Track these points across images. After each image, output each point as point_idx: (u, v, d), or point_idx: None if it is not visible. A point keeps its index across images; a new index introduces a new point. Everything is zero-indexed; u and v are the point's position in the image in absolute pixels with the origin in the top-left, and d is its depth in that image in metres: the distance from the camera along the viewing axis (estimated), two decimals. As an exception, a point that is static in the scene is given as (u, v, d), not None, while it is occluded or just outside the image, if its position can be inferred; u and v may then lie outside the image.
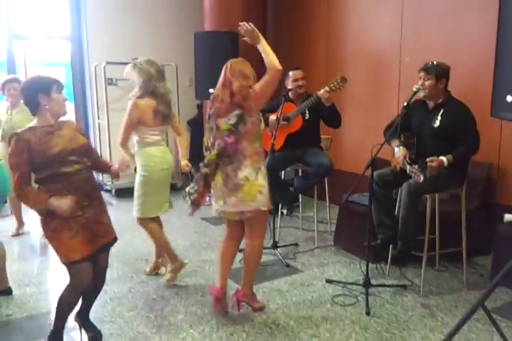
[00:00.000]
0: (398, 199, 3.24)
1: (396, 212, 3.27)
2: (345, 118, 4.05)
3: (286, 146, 3.96)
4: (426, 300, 3.02)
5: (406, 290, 3.14)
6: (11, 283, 3.11)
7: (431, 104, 3.18)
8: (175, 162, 3.36)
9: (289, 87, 3.97)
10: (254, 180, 2.63)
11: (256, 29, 2.64)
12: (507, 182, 3.67)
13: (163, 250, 3.27)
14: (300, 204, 4.56)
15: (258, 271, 3.34)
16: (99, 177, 5.75)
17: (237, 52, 4.71)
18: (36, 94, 2.20)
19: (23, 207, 4.05)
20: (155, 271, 3.40)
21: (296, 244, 3.99)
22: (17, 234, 4.27)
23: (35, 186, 2.27)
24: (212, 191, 2.73)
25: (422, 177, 2.82)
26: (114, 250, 3.89)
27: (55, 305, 2.35)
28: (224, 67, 2.67)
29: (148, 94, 3.03)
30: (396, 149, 3.16)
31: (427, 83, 3.08)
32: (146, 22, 5.83)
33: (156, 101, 3.04)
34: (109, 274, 3.37)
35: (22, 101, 2.44)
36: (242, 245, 2.88)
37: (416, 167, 2.87)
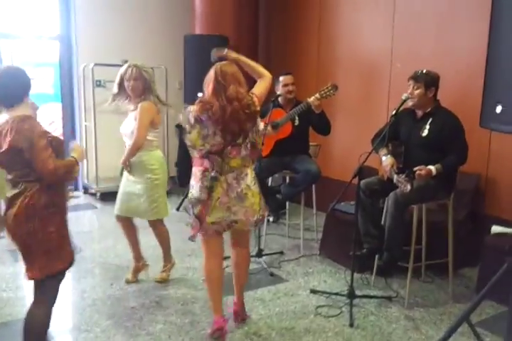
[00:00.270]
0: (385, 209, 3.20)
1: (382, 222, 3.23)
2: (334, 126, 4.01)
3: (274, 153, 3.91)
4: (410, 312, 2.97)
5: (391, 301, 3.10)
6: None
7: (419, 112, 3.15)
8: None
9: (279, 92, 3.94)
10: (254, 188, 2.59)
11: (233, 54, 2.67)
12: (495, 193, 3.65)
13: (168, 251, 3.34)
14: (287, 212, 4.51)
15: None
16: (84, 180, 5.69)
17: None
18: None
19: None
20: (167, 275, 3.36)
21: (281, 252, 3.93)
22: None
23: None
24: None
25: (408, 187, 2.78)
26: (95, 255, 3.87)
27: None
28: (212, 72, 2.50)
29: (152, 97, 3.10)
30: (383, 158, 3.12)
31: (415, 92, 3.05)
32: (137, 24, 5.77)
33: (155, 103, 3.13)
34: (89, 280, 3.33)
35: None
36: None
37: (403, 177, 2.83)
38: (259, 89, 2.63)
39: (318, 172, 3.77)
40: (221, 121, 2.43)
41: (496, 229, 3.27)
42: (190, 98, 5.00)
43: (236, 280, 2.78)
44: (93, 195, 5.55)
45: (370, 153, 2.91)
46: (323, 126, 3.86)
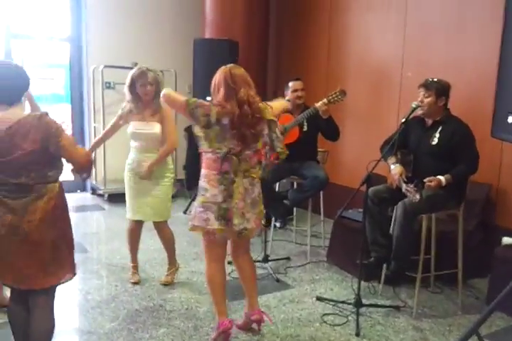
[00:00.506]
0: (393, 218, 3.16)
1: (391, 231, 3.19)
2: (343, 132, 3.98)
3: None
4: (418, 323, 2.92)
5: (399, 311, 3.05)
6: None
7: (429, 121, 3.11)
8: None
9: (288, 97, 3.92)
10: (261, 195, 2.58)
11: None
12: (506, 203, 3.60)
13: (173, 254, 3.35)
14: (294, 218, 4.48)
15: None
16: (92, 181, 5.68)
17: (236, 61, 4.65)
18: None
19: None
20: (172, 279, 3.36)
21: (288, 258, 3.90)
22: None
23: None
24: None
25: (417, 197, 2.74)
26: (101, 256, 3.86)
27: None
28: (222, 76, 2.45)
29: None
30: (392, 166, 3.08)
31: (426, 100, 3.01)
32: (147, 27, 5.78)
33: None
34: (94, 282, 3.31)
35: None
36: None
37: (411, 186, 2.79)
38: (277, 106, 2.65)
39: (326, 178, 3.74)
40: (233, 125, 2.41)
41: (507, 240, 3.23)
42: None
43: (251, 287, 2.72)
44: (101, 196, 5.55)
45: (378, 161, 2.88)
46: (332, 132, 3.84)
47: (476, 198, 3.51)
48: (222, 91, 2.44)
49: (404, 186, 2.88)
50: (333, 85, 4.72)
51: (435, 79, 3.05)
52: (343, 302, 3.10)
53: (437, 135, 3.04)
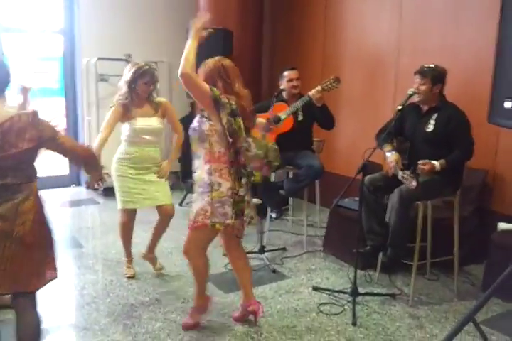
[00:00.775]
0: (389, 206, 3.14)
1: (387, 219, 3.17)
2: (339, 121, 3.95)
3: (276, 148, 3.86)
4: (415, 310, 2.92)
5: (395, 299, 3.05)
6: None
7: (424, 107, 3.08)
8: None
9: (282, 87, 3.87)
10: None
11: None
12: (503, 189, 3.58)
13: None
14: (290, 207, 4.46)
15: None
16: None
17: (231, 50, 4.60)
18: None
19: None
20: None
21: (284, 248, 3.88)
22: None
23: None
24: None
25: (414, 184, 2.72)
26: (96, 251, 3.85)
27: None
28: (214, 68, 2.42)
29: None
30: (388, 154, 3.06)
31: (421, 88, 2.98)
32: (140, 18, 5.69)
33: None
34: (88, 277, 3.30)
35: None
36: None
37: (408, 173, 2.77)
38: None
39: (321, 167, 3.71)
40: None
41: (502, 226, 3.21)
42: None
43: (245, 278, 2.72)
44: (96, 189, 5.51)
45: (374, 149, 2.86)
46: (326, 120, 3.80)
47: (472, 184, 3.49)
48: (220, 84, 2.41)
49: (400, 173, 2.86)
50: (328, 74, 4.65)
51: (431, 66, 3.01)
52: (339, 291, 3.09)
53: (432, 122, 3.02)
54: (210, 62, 2.46)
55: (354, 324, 2.74)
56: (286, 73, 3.89)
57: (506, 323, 2.79)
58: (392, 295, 3.07)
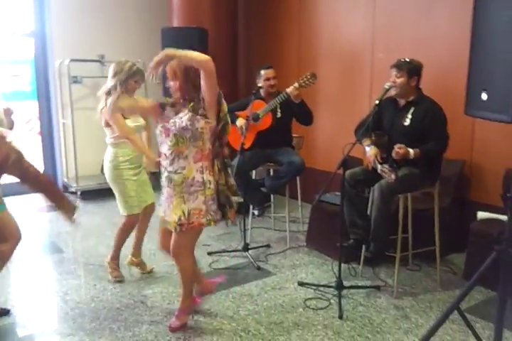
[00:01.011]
0: (370, 199, 3.17)
1: (368, 212, 3.20)
2: (317, 117, 3.97)
3: (256, 145, 3.86)
4: (399, 302, 2.96)
5: (379, 291, 3.08)
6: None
7: (402, 101, 3.12)
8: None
9: (260, 84, 3.88)
10: None
11: (159, 58, 2.41)
12: (480, 179, 3.65)
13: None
14: (272, 204, 4.47)
15: (228, 275, 3.26)
16: (63, 178, 5.56)
17: (206, 49, 4.57)
18: None
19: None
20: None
21: (268, 245, 3.89)
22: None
23: None
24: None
25: (393, 177, 2.75)
26: (76, 256, 3.78)
27: None
28: (183, 70, 2.47)
29: None
30: (367, 148, 3.08)
31: (398, 80, 3.01)
32: (113, 18, 5.61)
33: None
34: (71, 282, 3.24)
35: None
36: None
37: (387, 166, 2.80)
38: (205, 94, 2.41)
39: (302, 163, 3.73)
40: None
41: (481, 214, 3.28)
42: (169, 92, 4.90)
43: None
44: (73, 193, 5.43)
45: (354, 144, 2.87)
46: (305, 116, 3.82)
47: (450, 175, 3.55)
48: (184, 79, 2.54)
49: (379, 167, 2.89)
50: (305, 70, 4.67)
51: (407, 59, 3.05)
52: (324, 285, 3.11)
53: (409, 116, 3.05)
54: (174, 64, 2.55)
55: (341, 317, 2.76)
56: (262, 72, 3.89)
57: (489, 310, 2.84)
58: (377, 287, 3.10)
